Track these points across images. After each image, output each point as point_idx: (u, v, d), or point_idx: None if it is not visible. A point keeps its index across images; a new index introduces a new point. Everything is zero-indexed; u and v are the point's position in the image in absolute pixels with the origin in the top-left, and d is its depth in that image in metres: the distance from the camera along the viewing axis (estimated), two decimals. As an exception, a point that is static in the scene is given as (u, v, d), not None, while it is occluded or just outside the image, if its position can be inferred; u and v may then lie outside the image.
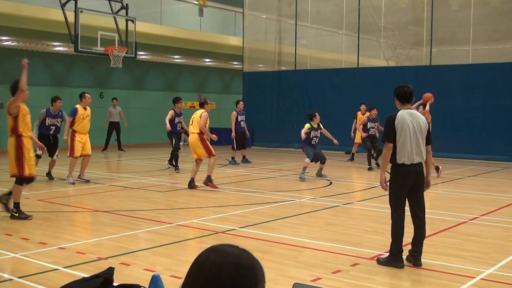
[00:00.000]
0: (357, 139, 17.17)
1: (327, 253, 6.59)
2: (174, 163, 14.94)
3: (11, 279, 5.47)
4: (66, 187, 11.83)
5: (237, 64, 25.93)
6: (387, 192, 6.12)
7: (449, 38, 20.48)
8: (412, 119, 5.98)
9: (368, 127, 15.79)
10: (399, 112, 6.04)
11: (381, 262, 6.03)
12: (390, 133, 5.99)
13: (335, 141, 13.88)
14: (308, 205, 9.95)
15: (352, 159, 18.09)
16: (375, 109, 15.87)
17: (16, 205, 8.40)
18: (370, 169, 15.32)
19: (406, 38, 21.50)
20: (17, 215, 8.33)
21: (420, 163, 6.02)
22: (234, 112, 16.82)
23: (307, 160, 13.60)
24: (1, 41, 18.82)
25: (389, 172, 6.07)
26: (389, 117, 6.05)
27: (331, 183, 12.96)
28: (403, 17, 21.30)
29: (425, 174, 6.13)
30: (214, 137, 11.98)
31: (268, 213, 9.20)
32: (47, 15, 17.49)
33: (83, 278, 4.79)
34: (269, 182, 13.15)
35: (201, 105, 12.16)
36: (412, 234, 6.09)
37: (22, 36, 18.07)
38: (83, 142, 12.46)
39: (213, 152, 11.86)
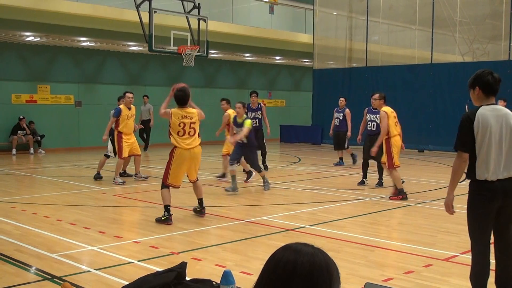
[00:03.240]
0: None
1: (399, 253, 6.47)
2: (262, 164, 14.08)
3: (88, 271, 5.69)
4: (140, 183, 12.15)
5: (307, 61, 25.85)
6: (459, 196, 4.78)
7: (530, 31, 19.59)
8: (498, 117, 4.40)
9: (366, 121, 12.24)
10: (479, 110, 4.41)
11: None
12: (465, 138, 4.41)
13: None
14: (379, 204, 9.79)
15: None
16: (376, 95, 11.15)
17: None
18: (379, 184, 11.78)
19: (483, 32, 20.71)
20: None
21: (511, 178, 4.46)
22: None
23: (231, 167, 10.98)
24: (80, 41, 19.57)
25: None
26: (464, 117, 4.45)
27: (403, 181, 12.67)
28: (480, 10, 20.54)
29: None
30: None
31: (339, 211, 9.13)
32: (122, 16, 18.05)
33: (157, 271, 4.92)
34: (340, 180, 13.04)
35: (383, 98, 10.75)
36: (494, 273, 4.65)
37: (99, 36, 18.73)
38: (130, 142, 12.11)
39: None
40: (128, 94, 12.36)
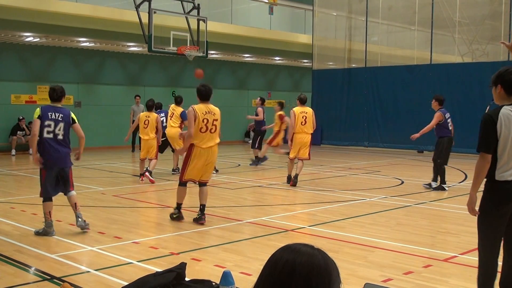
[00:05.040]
0: None
1: (398, 253, 6.47)
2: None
3: (88, 271, 5.69)
4: (140, 184, 12.13)
5: (306, 62, 25.86)
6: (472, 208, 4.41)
7: (529, 32, 19.60)
8: None
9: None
10: (501, 110, 4.21)
11: None
12: (488, 140, 4.22)
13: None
14: (379, 205, 9.79)
15: None
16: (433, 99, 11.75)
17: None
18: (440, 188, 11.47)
19: (482, 33, 20.72)
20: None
21: None
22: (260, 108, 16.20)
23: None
24: (79, 42, 19.57)
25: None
26: (487, 118, 4.24)
27: (402, 182, 12.70)
28: (479, 11, 20.55)
29: None
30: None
31: (338, 212, 9.13)
32: (122, 16, 18.05)
33: (157, 272, 4.93)
34: (339, 181, 13.05)
35: (298, 99, 12.08)
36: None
37: (98, 37, 18.73)
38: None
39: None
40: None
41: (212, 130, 8.00)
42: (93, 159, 17.44)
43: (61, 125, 7.37)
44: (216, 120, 8.04)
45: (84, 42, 19.66)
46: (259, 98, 16.74)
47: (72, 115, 7.56)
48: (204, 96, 8.06)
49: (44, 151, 7.38)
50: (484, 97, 18.45)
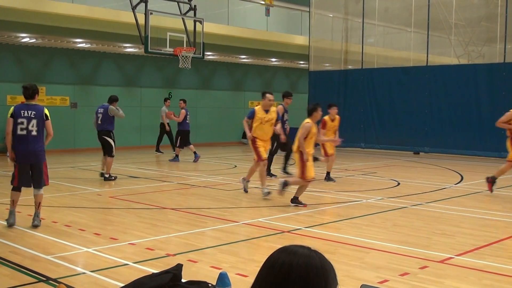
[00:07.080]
0: None
1: (394, 254, 6.48)
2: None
3: (84, 273, 5.68)
4: (136, 185, 12.12)
5: (303, 63, 25.87)
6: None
7: (525, 34, 19.65)
8: None
9: None
10: None
11: None
12: None
13: None
14: (375, 206, 9.80)
15: None
16: None
17: None
18: None
19: (478, 35, 20.78)
20: None
21: None
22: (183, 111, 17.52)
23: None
24: (76, 43, 19.54)
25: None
26: None
27: (399, 183, 12.72)
28: (475, 13, 20.61)
29: None
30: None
31: (335, 213, 9.14)
32: (118, 17, 18.04)
33: (153, 273, 4.92)
34: (336, 182, 13.06)
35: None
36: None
37: (94, 38, 18.71)
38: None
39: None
40: (268, 95, 11.08)
41: None
42: (89, 160, 17.42)
43: (34, 121, 7.75)
44: None
45: (80, 43, 19.63)
46: (182, 100, 17.93)
47: (46, 111, 7.89)
48: None
49: (17, 148, 7.77)
50: (479, 98, 18.51)
